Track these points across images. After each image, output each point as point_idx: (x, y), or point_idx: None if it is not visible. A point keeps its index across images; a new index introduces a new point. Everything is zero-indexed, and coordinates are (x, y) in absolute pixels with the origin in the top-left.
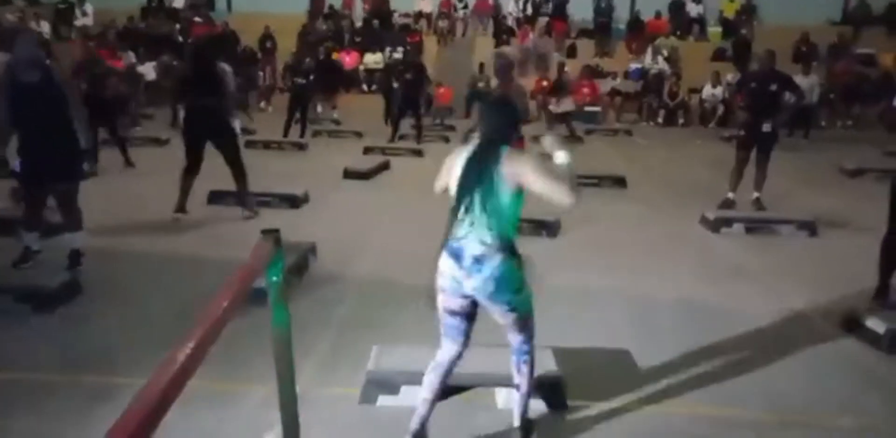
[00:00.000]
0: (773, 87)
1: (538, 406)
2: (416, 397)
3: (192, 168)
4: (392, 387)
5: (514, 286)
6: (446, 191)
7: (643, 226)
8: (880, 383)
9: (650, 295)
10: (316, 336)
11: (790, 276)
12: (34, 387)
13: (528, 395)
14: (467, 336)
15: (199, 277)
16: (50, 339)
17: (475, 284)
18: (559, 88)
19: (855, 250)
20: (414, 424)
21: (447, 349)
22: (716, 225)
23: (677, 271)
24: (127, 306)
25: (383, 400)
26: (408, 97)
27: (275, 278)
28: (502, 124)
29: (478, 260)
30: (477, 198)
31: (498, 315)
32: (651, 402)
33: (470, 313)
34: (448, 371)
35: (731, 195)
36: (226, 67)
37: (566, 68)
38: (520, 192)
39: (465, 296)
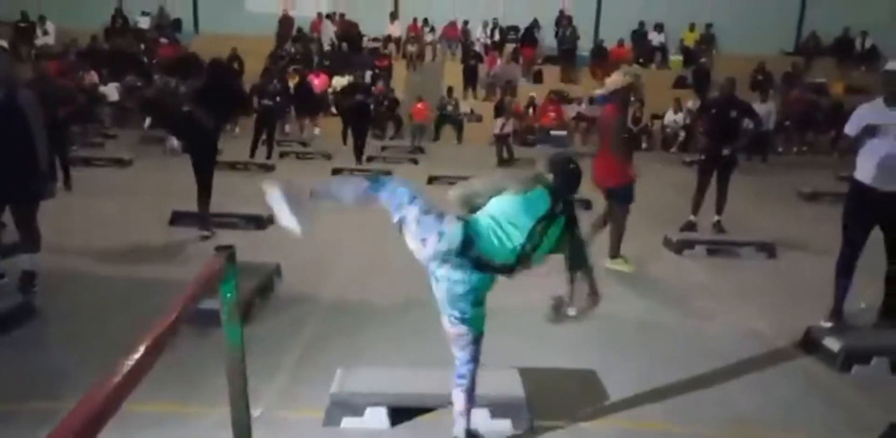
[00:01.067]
0: (733, 114)
1: (503, 427)
2: (380, 419)
3: None
4: (356, 409)
5: (477, 298)
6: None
7: (607, 246)
8: (835, 400)
9: (614, 314)
10: (280, 357)
11: (750, 297)
12: None
13: (466, 414)
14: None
15: (159, 299)
16: (3, 365)
17: (451, 276)
18: (501, 110)
19: (812, 271)
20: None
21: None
22: (679, 247)
23: (641, 291)
24: (82, 329)
25: (347, 422)
26: (355, 118)
27: (228, 295)
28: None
29: (476, 268)
30: (536, 237)
31: (445, 320)
32: (615, 421)
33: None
34: None
35: (692, 218)
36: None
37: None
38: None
39: (430, 270)
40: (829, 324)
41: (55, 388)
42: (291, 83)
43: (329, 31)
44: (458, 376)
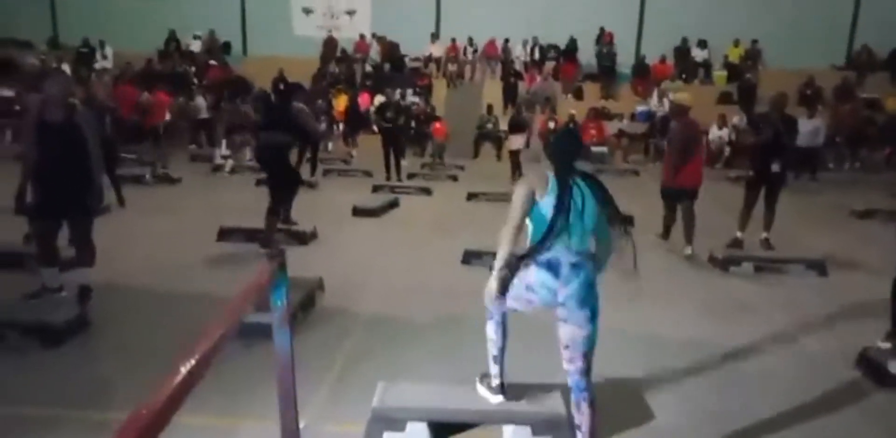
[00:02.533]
0: (782, 129)
1: None
2: (421, 435)
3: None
4: (397, 424)
5: (597, 292)
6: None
7: (652, 264)
8: (888, 422)
9: (659, 333)
10: (322, 371)
11: (799, 316)
12: (37, 423)
13: (594, 427)
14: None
15: (208, 313)
16: (55, 374)
17: (571, 291)
18: (516, 126)
19: (865, 290)
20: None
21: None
22: (724, 264)
23: (686, 309)
24: (133, 341)
25: (389, 437)
26: (389, 136)
27: (279, 302)
28: (575, 153)
29: (575, 266)
30: (572, 217)
31: (575, 325)
32: None
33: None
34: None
35: (739, 234)
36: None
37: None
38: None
39: (551, 306)
40: (886, 345)
41: (106, 397)
42: (335, 102)
43: (375, 52)
44: (582, 389)
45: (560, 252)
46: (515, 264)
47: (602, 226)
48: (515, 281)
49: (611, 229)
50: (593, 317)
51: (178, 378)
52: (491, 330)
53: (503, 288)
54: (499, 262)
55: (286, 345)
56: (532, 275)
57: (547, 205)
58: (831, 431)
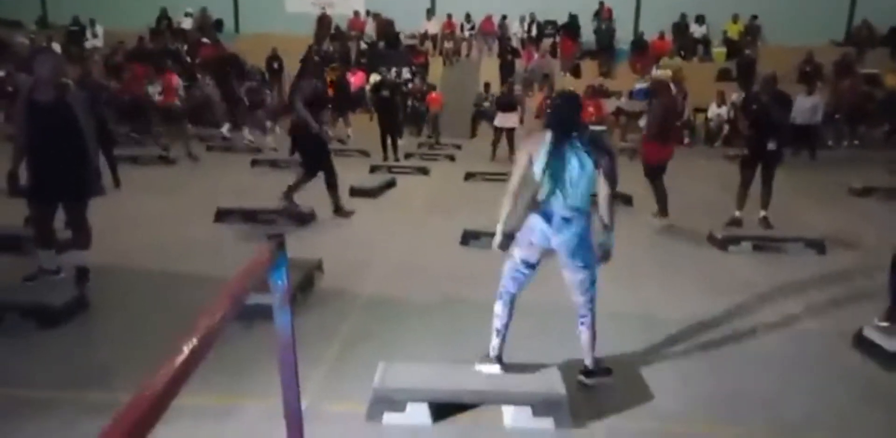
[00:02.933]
0: (777, 108)
1: (546, 425)
2: (422, 415)
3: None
4: (398, 404)
5: (590, 245)
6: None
7: (651, 244)
8: (887, 402)
9: (658, 312)
10: (322, 351)
11: (799, 294)
12: (36, 404)
13: (592, 347)
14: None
15: (206, 294)
16: (54, 356)
17: (561, 240)
18: (507, 104)
19: (863, 268)
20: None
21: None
22: (724, 244)
23: (686, 289)
24: (133, 323)
25: (389, 418)
26: (385, 115)
27: (279, 282)
28: (573, 114)
29: (567, 220)
30: (567, 176)
31: (571, 271)
32: (658, 421)
33: (537, 268)
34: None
35: (738, 213)
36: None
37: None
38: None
39: (547, 250)
40: (884, 324)
41: (104, 379)
42: (329, 79)
43: (371, 29)
44: (582, 316)
45: (555, 206)
46: (524, 214)
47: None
48: (522, 228)
49: (601, 188)
50: (584, 267)
51: (181, 358)
52: (499, 308)
53: (504, 243)
54: (500, 220)
55: (287, 325)
56: (531, 220)
57: (538, 166)
58: (830, 410)
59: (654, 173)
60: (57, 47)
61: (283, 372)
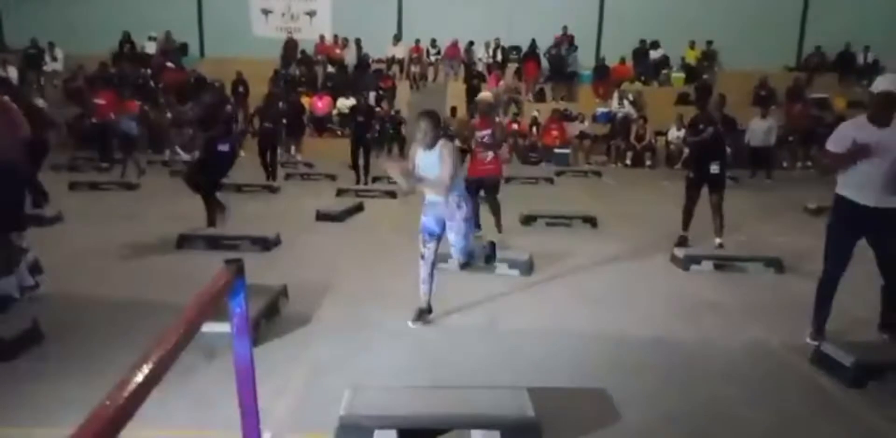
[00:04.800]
0: (720, 130)
1: None
2: None
3: None
4: (365, 432)
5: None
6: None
7: (615, 265)
8: (849, 416)
9: (623, 332)
10: (287, 379)
11: (759, 312)
12: None
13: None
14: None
15: (167, 322)
16: (7, 390)
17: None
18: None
19: None
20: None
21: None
22: (686, 263)
23: (649, 308)
24: (90, 354)
25: None
26: (359, 138)
27: (238, 309)
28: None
29: (432, 203)
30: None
31: (457, 210)
32: None
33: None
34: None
35: (683, 233)
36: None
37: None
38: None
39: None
40: (815, 343)
41: (61, 414)
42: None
43: (351, 54)
44: (463, 252)
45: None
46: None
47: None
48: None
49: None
50: (463, 204)
51: (130, 386)
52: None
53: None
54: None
55: (246, 353)
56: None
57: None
58: (792, 426)
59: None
60: (13, 71)
61: (241, 400)
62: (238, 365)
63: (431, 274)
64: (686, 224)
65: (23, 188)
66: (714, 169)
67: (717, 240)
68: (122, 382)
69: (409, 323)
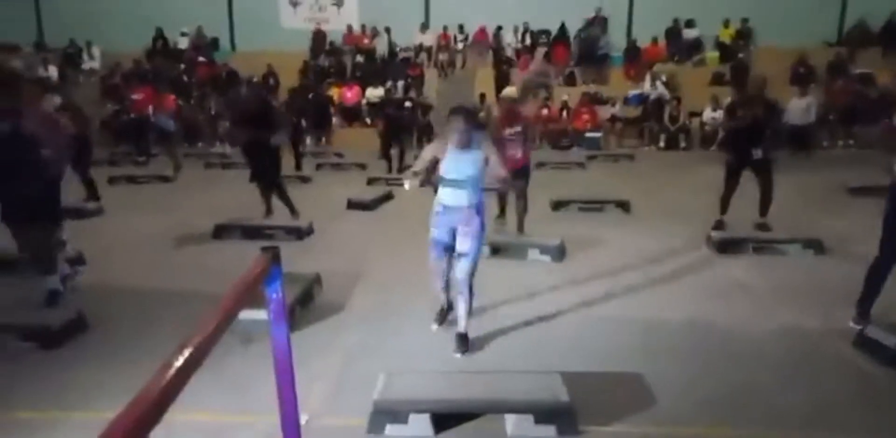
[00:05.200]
0: (760, 113)
1: (548, 433)
2: (424, 426)
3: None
4: (400, 416)
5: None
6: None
7: (649, 249)
8: (887, 400)
9: (658, 317)
10: (322, 365)
11: (798, 295)
12: (36, 425)
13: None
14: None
15: (204, 311)
16: (54, 377)
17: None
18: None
19: (861, 268)
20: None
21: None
22: (722, 247)
23: (684, 293)
24: (132, 343)
25: (391, 430)
26: (392, 130)
27: (274, 295)
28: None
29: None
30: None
31: (473, 215)
32: (661, 425)
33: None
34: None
35: (721, 217)
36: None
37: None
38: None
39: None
40: (858, 327)
41: (104, 398)
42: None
43: (384, 43)
44: (471, 263)
45: None
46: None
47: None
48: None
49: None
50: (479, 213)
51: (171, 371)
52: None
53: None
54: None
55: (283, 337)
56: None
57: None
58: (832, 410)
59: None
60: (53, 70)
61: (279, 385)
62: (276, 351)
63: (447, 285)
64: (724, 208)
65: (58, 184)
66: (757, 154)
67: (761, 220)
68: (163, 367)
69: (434, 327)
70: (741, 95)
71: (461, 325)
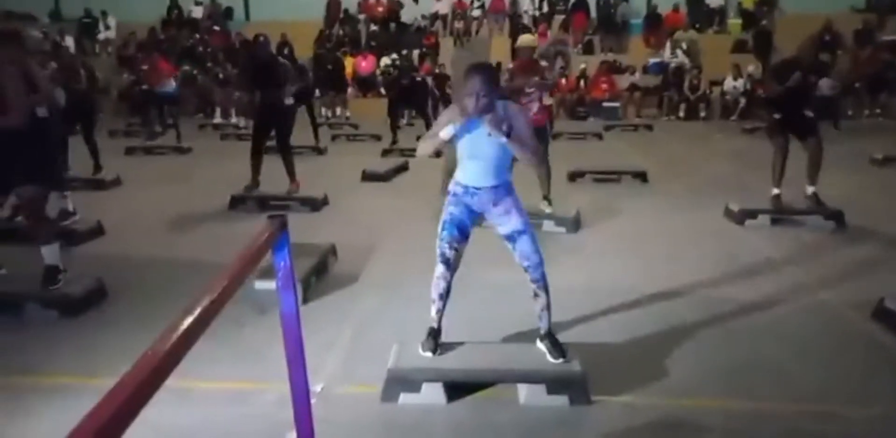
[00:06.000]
0: (813, 77)
1: (561, 402)
2: (437, 395)
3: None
4: (413, 385)
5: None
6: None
7: (666, 220)
8: None
9: (674, 288)
10: (337, 335)
11: (816, 267)
12: (57, 390)
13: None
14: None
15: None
16: (74, 344)
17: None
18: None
19: (883, 239)
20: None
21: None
22: (740, 218)
23: (702, 264)
24: (149, 310)
25: (405, 398)
26: (401, 103)
27: (282, 262)
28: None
29: None
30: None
31: (524, 226)
32: (675, 397)
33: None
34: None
35: (777, 191)
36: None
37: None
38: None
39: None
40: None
41: (128, 365)
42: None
43: (409, 11)
44: (543, 278)
45: None
46: None
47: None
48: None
49: None
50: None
51: (175, 336)
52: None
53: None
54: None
55: (292, 305)
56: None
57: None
58: (846, 382)
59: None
60: (70, 40)
61: (288, 352)
62: (284, 319)
63: (449, 289)
64: (779, 179)
65: (54, 145)
66: (809, 113)
67: (811, 189)
68: (166, 332)
69: (420, 352)
70: (797, 55)
71: (545, 325)
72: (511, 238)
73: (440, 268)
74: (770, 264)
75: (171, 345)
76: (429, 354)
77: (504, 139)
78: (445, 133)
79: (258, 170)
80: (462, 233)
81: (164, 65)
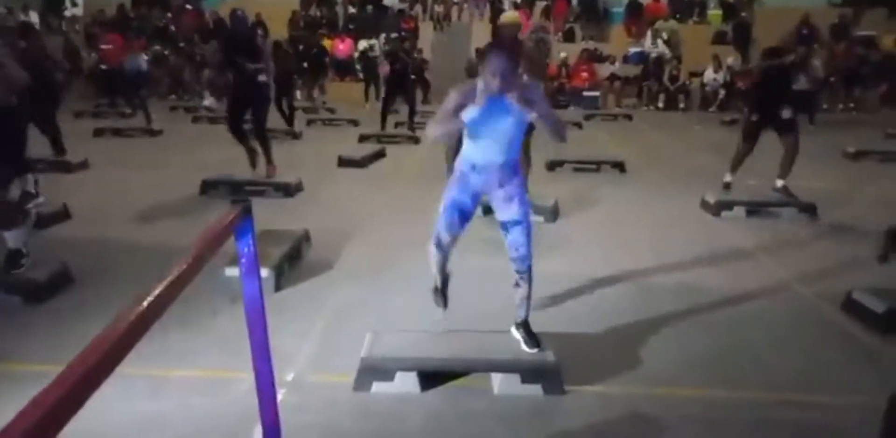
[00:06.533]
0: (791, 72)
1: (535, 392)
2: (411, 384)
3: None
4: (386, 374)
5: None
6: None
7: (643, 210)
8: (876, 362)
9: (650, 278)
10: (310, 322)
11: (790, 259)
12: (25, 377)
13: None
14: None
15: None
16: (40, 330)
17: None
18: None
19: (855, 232)
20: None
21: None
22: (716, 209)
23: (677, 254)
24: (114, 297)
25: (378, 387)
26: (393, 87)
27: (246, 249)
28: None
29: None
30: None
31: (522, 215)
32: (651, 387)
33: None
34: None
35: (729, 178)
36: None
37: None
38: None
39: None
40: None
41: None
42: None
43: None
44: (529, 270)
45: None
46: None
47: None
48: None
49: None
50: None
51: (128, 320)
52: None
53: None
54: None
55: (256, 294)
56: None
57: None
58: (821, 373)
59: None
60: (34, 16)
61: (253, 340)
62: (248, 306)
63: (446, 259)
64: (735, 170)
65: (21, 130)
66: (786, 114)
67: (780, 183)
68: (119, 316)
69: (441, 312)
70: (776, 44)
71: (522, 313)
72: (506, 226)
73: (432, 249)
74: (745, 255)
75: (125, 330)
76: (442, 310)
77: (533, 114)
78: (467, 114)
79: (253, 151)
80: (462, 219)
81: (122, 42)
